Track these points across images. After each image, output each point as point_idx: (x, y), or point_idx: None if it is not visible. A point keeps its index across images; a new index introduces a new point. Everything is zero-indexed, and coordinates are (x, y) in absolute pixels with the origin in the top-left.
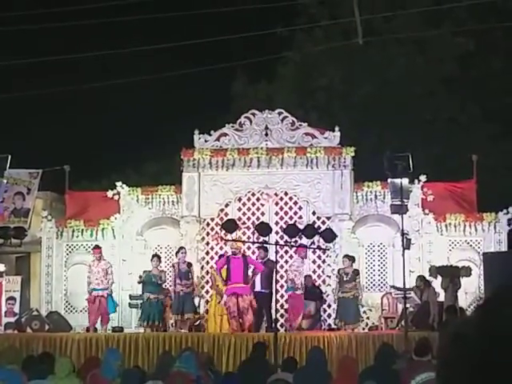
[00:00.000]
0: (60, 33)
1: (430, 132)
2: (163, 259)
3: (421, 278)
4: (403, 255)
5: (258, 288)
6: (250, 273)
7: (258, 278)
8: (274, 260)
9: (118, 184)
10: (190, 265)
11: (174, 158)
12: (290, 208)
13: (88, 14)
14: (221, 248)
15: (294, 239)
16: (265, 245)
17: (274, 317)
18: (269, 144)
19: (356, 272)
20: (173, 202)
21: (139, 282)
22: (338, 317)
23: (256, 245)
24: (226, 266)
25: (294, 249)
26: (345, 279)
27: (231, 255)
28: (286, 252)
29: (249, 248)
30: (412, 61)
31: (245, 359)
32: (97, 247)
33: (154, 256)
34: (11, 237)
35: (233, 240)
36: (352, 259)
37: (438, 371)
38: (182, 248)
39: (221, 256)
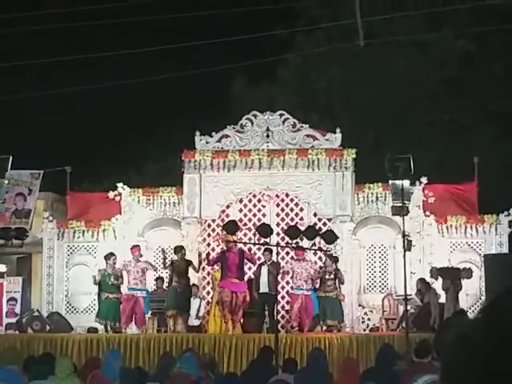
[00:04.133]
0: (62, 35)
1: (431, 134)
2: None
3: (421, 280)
4: (404, 257)
5: (264, 289)
6: (246, 269)
7: (264, 280)
8: (277, 261)
9: (119, 185)
10: (189, 263)
11: (175, 159)
12: (291, 209)
13: (88, 16)
14: (222, 249)
15: (295, 241)
16: (267, 246)
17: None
18: (270, 145)
19: (337, 270)
20: (174, 203)
21: (95, 283)
22: (324, 317)
23: (257, 246)
24: (220, 262)
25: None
26: (327, 277)
27: (226, 250)
28: (287, 253)
29: (250, 249)
30: (413, 63)
31: (250, 362)
32: (135, 246)
33: (110, 254)
34: (12, 237)
35: (234, 241)
36: (334, 259)
37: (443, 373)
38: (181, 248)
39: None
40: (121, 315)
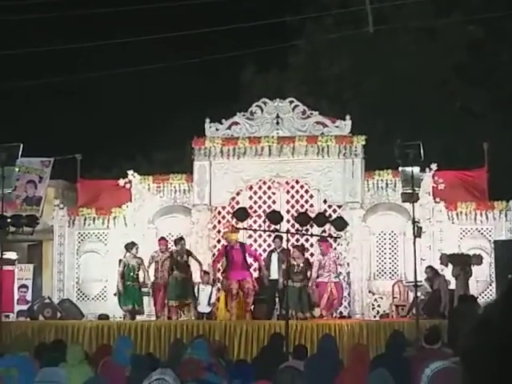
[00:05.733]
0: (72, 21)
1: (441, 120)
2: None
3: (430, 268)
4: (414, 243)
5: (274, 276)
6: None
7: (275, 267)
8: (287, 248)
9: (130, 172)
10: (189, 253)
11: (185, 146)
12: (301, 196)
13: (99, 3)
14: (223, 245)
15: (305, 227)
16: (277, 233)
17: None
18: (280, 132)
19: (307, 262)
20: (184, 190)
21: (120, 274)
22: (287, 306)
23: (267, 233)
24: (224, 257)
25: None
26: (295, 270)
27: (229, 247)
28: (297, 240)
29: (260, 236)
30: (422, 49)
31: (260, 349)
32: (163, 239)
33: (132, 244)
34: (23, 225)
35: (244, 228)
36: (301, 249)
37: (462, 357)
38: (181, 239)
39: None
40: (154, 302)
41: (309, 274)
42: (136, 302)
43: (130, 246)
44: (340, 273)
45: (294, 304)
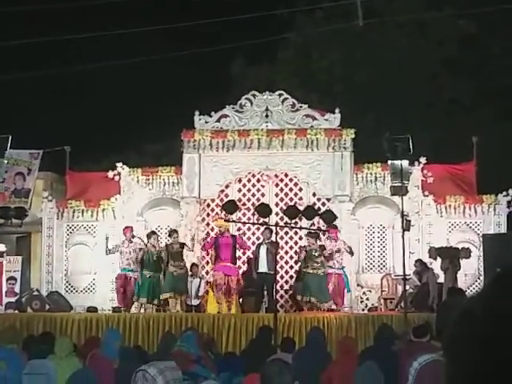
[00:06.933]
0: (59, 14)
1: (431, 114)
2: (163, 240)
3: (419, 261)
4: (403, 237)
5: (263, 269)
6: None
7: (263, 259)
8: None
9: (119, 165)
10: (182, 246)
11: (174, 138)
12: (290, 189)
13: None
14: (216, 234)
15: (294, 220)
16: (266, 226)
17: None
18: (269, 125)
19: (322, 247)
20: (173, 182)
21: (139, 261)
22: (308, 293)
23: (256, 226)
24: (213, 246)
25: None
26: (314, 254)
27: (219, 235)
28: (286, 233)
29: (249, 229)
30: (413, 43)
31: (249, 342)
32: (127, 227)
33: (152, 233)
34: (12, 217)
35: (233, 221)
36: (315, 235)
37: (445, 348)
38: (174, 231)
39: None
40: (118, 295)
41: (325, 256)
42: (156, 293)
43: (149, 235)
44: (343, 266)
45: (315, 292)
